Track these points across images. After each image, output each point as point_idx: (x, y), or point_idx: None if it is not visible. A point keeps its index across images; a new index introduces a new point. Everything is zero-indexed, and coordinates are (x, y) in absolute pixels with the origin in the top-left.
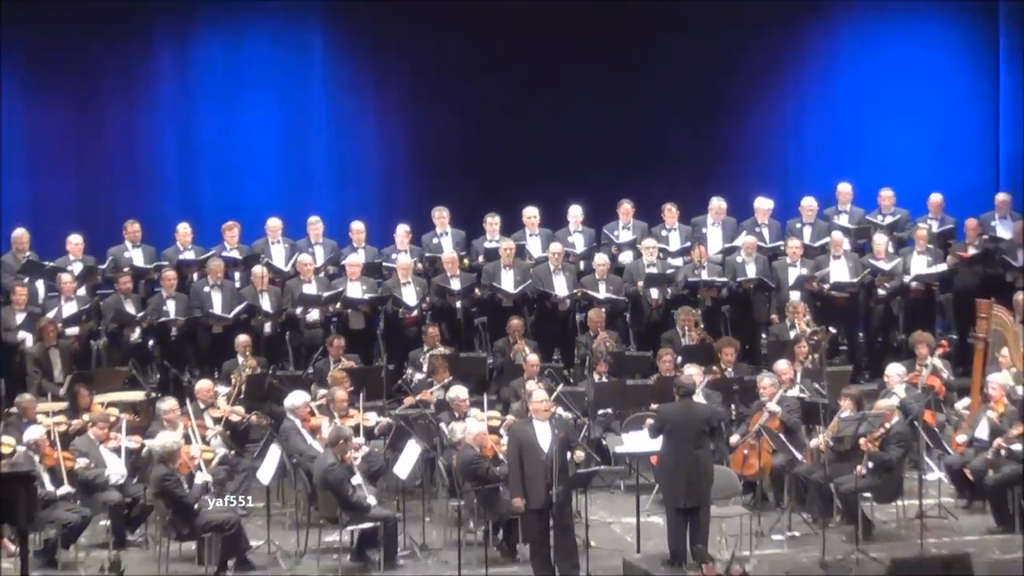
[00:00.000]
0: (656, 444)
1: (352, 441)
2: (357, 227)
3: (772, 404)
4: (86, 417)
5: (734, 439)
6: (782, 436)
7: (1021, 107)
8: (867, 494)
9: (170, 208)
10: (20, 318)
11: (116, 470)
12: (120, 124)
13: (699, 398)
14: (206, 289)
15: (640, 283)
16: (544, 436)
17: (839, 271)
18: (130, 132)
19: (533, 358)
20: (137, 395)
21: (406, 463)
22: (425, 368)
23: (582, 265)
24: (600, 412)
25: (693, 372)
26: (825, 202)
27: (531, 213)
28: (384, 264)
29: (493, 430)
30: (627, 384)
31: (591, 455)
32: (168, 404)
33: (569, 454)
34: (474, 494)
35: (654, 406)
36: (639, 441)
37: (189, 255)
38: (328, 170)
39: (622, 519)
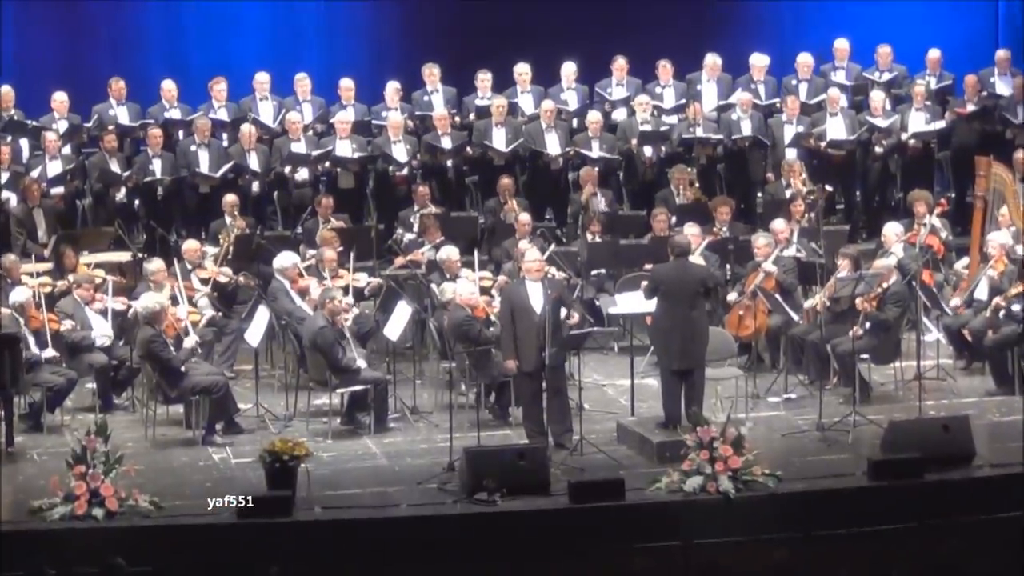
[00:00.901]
0: (650, 305)
1: (342, 302)
2: (346, 84)
3: (768, 264)
4: (71, 278)
5: (732, 296)
6: (778, 296)
7: None
8: (864, 355)
9: (155, 65)
10: (4, 177)
11: (102, 332)
12: None
13: (698, 259)
14: (193, 148)
15: (634, 141)
16: (536, 297)
17: (836, 128)
18: None
19: (525, 217)
20: (123, 256)
21: (396, 324)
22: (415, 228)
23: (575, 123)
24: (593, 272)
25: (692, 232)
26: (821, 58)
27: (523, 70)
28: (374, 122)
29: (484, 291)
30: (621, 244)
31: (584, 316)
32: (155, 265)
33: (564, 312)
34: (465, 356)
35: (648, 266)
36: (633, 302)
37: (175, 113)
38: (317, 26)
39: (616, 381)
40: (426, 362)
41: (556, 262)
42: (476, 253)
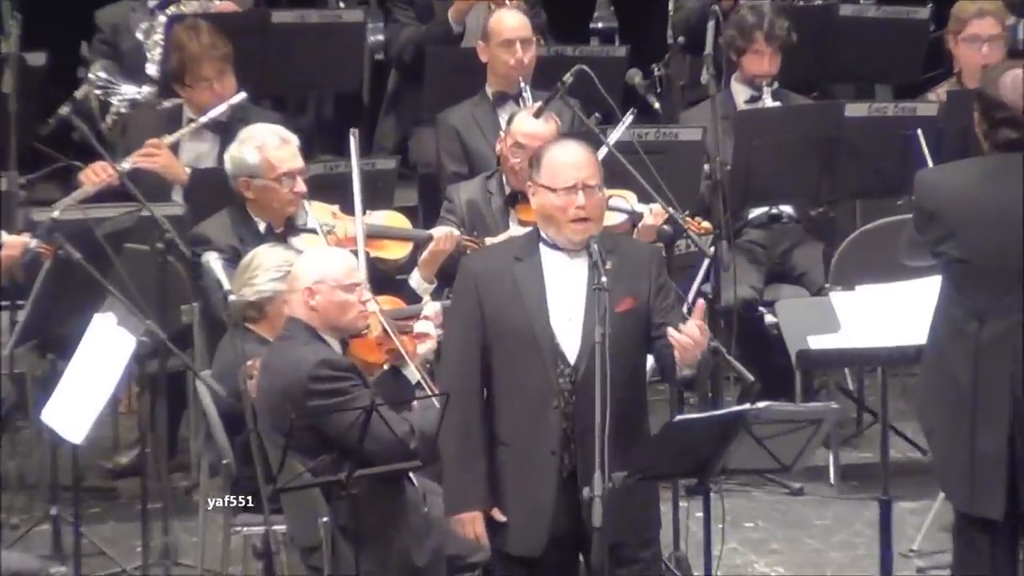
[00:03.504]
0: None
1: None
2: None
3: None
4: None
5: None
6: None
7: None
8: None
9: None
10: None
11: None
12: None
13: None
14: None
15: None
16: (564, 300)
17: None
18: None
19: (515, 20)
20: None
21: (86, 395)
22: (153, 64)
23: None
24: (754, 215)
25: None
26: None
27: None
28: None
29: (387, 274)
30: (846, 115)
31: (729, 360)
32: None
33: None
34: (329, 497)
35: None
36: (888, 306)
37: None
38: None
39: None
40: (186, 519)
41: (644, 178)
42: (354, 156)
